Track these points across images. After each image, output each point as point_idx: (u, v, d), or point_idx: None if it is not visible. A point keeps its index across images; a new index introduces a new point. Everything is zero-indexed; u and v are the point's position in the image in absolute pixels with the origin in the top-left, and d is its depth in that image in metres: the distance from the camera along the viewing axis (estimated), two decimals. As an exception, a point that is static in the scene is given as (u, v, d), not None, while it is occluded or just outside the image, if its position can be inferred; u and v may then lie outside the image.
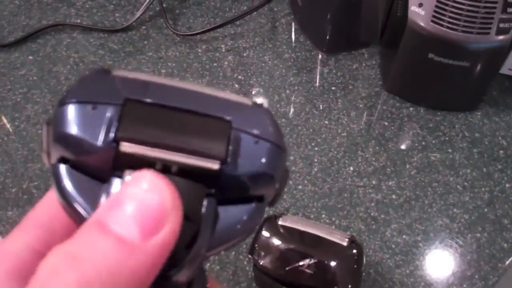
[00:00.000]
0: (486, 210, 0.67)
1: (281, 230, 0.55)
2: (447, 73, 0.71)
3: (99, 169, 0.21)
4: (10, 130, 0.73)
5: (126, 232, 0.18)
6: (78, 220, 0.21)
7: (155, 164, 0.21)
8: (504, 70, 0.78)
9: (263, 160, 0.23)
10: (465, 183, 0.69)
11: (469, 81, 0.72)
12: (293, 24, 0.87)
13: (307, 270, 0.53)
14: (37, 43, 0.84)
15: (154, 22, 0.87)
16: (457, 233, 0.65)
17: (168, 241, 0.19)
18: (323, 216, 0.66)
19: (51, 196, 0.25)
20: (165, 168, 0.21)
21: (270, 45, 0.84)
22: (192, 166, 0.21)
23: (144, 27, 0.86)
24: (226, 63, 0.81)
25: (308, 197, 0.67)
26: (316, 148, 0.72)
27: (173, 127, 0.22)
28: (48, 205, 0.25)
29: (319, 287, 0.54)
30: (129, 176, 0.20)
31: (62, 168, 0.21)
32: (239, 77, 0.80)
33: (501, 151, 0.72)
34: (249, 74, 0.80)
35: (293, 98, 0.77)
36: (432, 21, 0.66)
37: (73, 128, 0.21)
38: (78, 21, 0.86)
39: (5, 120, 0.74)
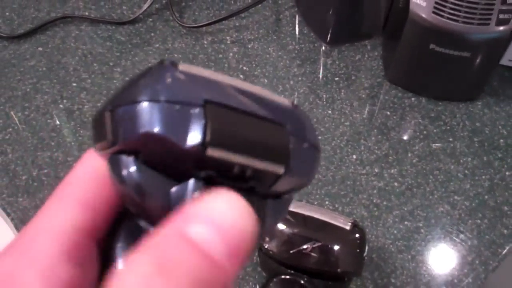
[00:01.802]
0: (486, 197, 0.68)
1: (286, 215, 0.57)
2: (448, 63, 0.72)
3: (173, 166, 0.21)
4: (20, 119, 0.75)
5: (215, 251, 0.18)
6: (147, 210, 0.22)
7: (233, 168, 0.21)
8: (504, 61, 0.79)
9: (313, 164, 0.24)
10: (466, 171, 0.71)
11: (470, 72, 0.74)
12: (297, 16, 0.88)
13: (311, 253, 0.55)
14: (46, 35, 0.85)
15: (161, 15, 0.88)
16: (458, 219, 0.67)
17: (244, 262, 0.19)
18: (327, 203, 0.67)
19: (87, 173, 0.24)
20: (241, 171, 0.22)
21: (275, 37, 0.85)
22: (263, 171, 0.22)
23: (151, 20, 0.87)
24: (231, 54, 0.83)
25: (312, 184, 0.69)
26: (319, 137, 0.73)
27: (247, 131, 0.22)
28: (85, 181, 0.24)
29: (323, 270, 0.55)
30: (214, 192, 0.20)
31: (130, 160, 0.22)
32: (244, 68, 0.81)
33: (501, 140, 0.74)
34: (254, 65, 0.81)
35: (297, 89, 0.79)
36: (433, 12, 0.67)
37: (159, 128, 0.21)
38: (86, 13, 0.88)
39: (14, 111, 0.76)
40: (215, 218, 0.19)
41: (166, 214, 0.21)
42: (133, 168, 0.21)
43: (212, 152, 0.21)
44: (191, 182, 0.21)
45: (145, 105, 0.21)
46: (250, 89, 0.24)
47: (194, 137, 0.21)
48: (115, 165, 0.22)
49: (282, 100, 0.25)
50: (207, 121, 0.21)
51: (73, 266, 0.21)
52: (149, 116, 0.21)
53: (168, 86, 0.21)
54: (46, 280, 0.20)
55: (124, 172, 0.21)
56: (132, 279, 0.18)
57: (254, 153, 0.22)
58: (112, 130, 0.22)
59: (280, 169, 0.22)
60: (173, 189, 0.22)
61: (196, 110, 0.21)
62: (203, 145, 0.21)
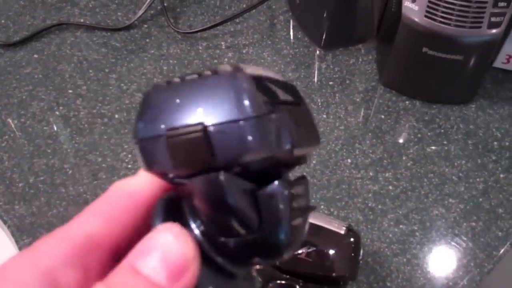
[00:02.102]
0: (481, 199, 0.69)
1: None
2: (441, 66, 0.72)
3: (254, 171, 0.23)
4: (17, 126, 0.75)
5: (156, 276, 0.21)
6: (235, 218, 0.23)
7: (301, 160, 0.26)
8: (497, 63, 0.80)
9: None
10: (460, 174, 0.71)
11: (463, 74, 0.74)
12: (291, 21, 0.89)
13: (306, 258, 0.55)
14: (41, 42, 0.86)
15: (156, 21, 0.88)
16: (453, 222, 0.67)
17: (189, 285, 0.22)
18: (322, 207, 0.68)
19: (113, 193, 0.26)
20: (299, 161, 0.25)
21: (269, 42, 0.86)
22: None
23: (146, 26, 0.88)
24: (226, 59, 0.83)
25: (307, 188, 0.69)
26: (314, 142, 0.73)
27: (299, 125, 0.24)
28: (109, 197, 0.26)
29: (318, 274, 0.55)
30: (160, 228, 0.23)
31: (231, 176, 0.22)
32: (239, 73, 0.81)
33: (495, 143, 0.74)
34: (249, 70, 0.82)
35: (292, 93, 0.79)
36: (426, 16, 0.68)
37: (262, 143, 0.22)
38: (82, 20, 0.88)
39: (10, 118, 0.76)
40: (160, 250, 0.22)
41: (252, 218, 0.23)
42: (235, 182, 0.22)
43: (297, 152, 0.23)
44: (277, 183, 0.23)
45: (243, 123, 0.22)
46: (268, 74, 0.25)
47: (285, 143, 0.22)
48: (214, 184, 0.22)
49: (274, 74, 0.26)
50: (288, 126, 0.23)
51: (76, 271, 0.22)
52: (251, 133, 0.22)
53: (251, 100, 0.22)
54: (42, 279, 0.21)
55: (229, 189, 0.22)
56: None
57: (310, 142, 0.25)
58: (210, 150, 0.22)
59: (317, 146, 0.27)
60: (262, 192, 0.23)
61: (277, 116, 0.22)
62: (292, 148, 0.23)
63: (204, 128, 0.21)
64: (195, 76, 0.23)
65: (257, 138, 0.22)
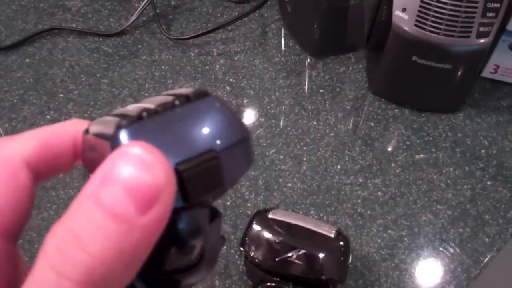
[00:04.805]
0: (468, 206, 0.70)
1: (271, 223, 0.57)
2: (430, 75, 0.73)
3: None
4: (8, 130, 0.75)
5: (123, 208, 0.18)
6: None
7: None
8: (485, 73, 0.81)
9: (248, 154, 0.25)
10: (448, 181, 0.72)
11: (452, 83, 0.75)
12: (282, 29, 0.89)
13: (296, 261, 0.55)
14: (33, 47, 0.86)
15: (148, 27, 0.89)
16: (441, 228, 0.68)
17: (162, 215, 0.19)
18: (312, 212, 0.68)
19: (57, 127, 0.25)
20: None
21: (261, 49, 0.86)
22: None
23: (138, 32, 0.88)
24: (218, 66, 0.84)
25: (297, 194, 0.70)
26: (305, 148, 0.74)
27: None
28: (49, 129, 0.25)
29: (307, 277, 0.56)
30: (124, 146, 0.20)
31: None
32: (231, 80, 0.82)
33: (483, 151, 0.75)
34: (240, 77, 0.82)
35: (282, 100, 0.80)
36: (416, 25, 0.69)
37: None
38: (74, 25, 0.89)
39: (1, 121, 0.76)
40: (122, 177, 0.19)
41: None
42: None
43: None
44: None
45: (248, 141, 0.23)
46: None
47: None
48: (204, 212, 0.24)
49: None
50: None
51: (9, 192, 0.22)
52: (251, 150, 0.23)
53: (238, 123, 0.23)
54: None
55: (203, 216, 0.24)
56: (49, 248, 0.19)
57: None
58: (222, 174, 0.22)
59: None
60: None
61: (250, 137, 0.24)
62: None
63: (217, 154, 0.22)
64: (166, 105, 0.22)
65: (252, 154, 0.23)
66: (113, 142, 0.21)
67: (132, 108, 0.23)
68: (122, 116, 0.21)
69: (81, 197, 0.19)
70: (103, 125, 0.22)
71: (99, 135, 0.22)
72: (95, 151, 0.23)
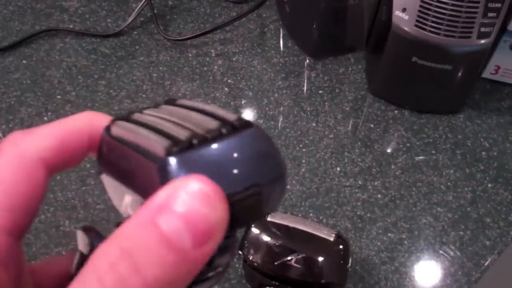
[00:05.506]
0: (468, 209, 0.69)
1: (270, 226, 0.57)
2: (431, 76, 0.73)
3: None
4: (5, 132, 0.74)
5: (180, 240, 0.19)
6: None
7: None
8: (486, 74, 0.80)
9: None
10: (449, 183, 0.71)
11: (452, 84, 0.74)
12: (281, 29, 0.89)
13: (295, 265, 0.55)
14: (30, 48, 0.85)
15: (146, 28, 0.88)
16: (441, 231, 0.67)
17: (212, 251, 0.20)
18: (311, 215, 0.68)
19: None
20: None
21: (259, 50, 0.86)
22: None
23: (135, 32, 0.88)
24: (216, 67, 0.83)
25: (296, 196, 0.69)
26: (304, 150, 0.74)
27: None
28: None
29: (307, 281, 0.55)
30: (185, 178, 0.20)
31: None
32: (229, 81, 0.81)
33: (483, 152, 0.75)
34: (239, 78, 0.82)
35: (281, 102, 0.79)
36: (416, 25, 0.68)
37: None
38: (71, 26, 0.88)
39: (-1, 123, 0.76)
40: (183, 207, 0.19)
41: None
42: None
43: None
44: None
45: (286, 176, 0.24)
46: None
47: None
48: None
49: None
50: None
51: None
52: (286, 182, 0.25)
53: (280, 158, 0.24)
54: None
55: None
56: (102, 264, 0.19)
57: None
58: (264, 206, 0.23)
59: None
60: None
61: None
62: None
63: (261, 189, 0.22)
64: (213, 132, 0.22)
65: (286, 186, 0.25)
66: (164, 167, 0.21)
67: (169, 125, 0.23)
68: (164, 134, 0.22)
69: (138, 219, 0.19)
70: (138, 136, 0.23)
71: (136, 148, 0.22)
72: (127, 160, 0.23)
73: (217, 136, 0.22)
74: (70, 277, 0.21)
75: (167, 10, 0.91)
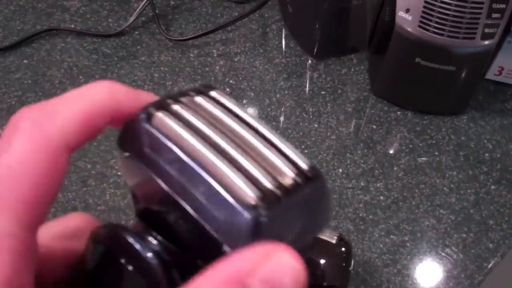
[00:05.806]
0: (472, 211, 0.69)
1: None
2: (434, 77, 0.72)
3: None
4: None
5: None
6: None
7: None
8: (489, 75, 0.80)
9: None
10: (452, 185, 0.71)
11: (455, 85, 0.74)
12: (283, 30, 0.88)
13: (297, 267, 0.54)
14: (31, 48, 0.85)
15: (147, 28, 0.88)
16: (444, 233, 0.67)
17: None
18: (313, 216, 0.67)
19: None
20: None
21: (261, 51, 0.85)
22: None
23: (137, 32, 0.87)
24: (217, 67, 0.83)
25: (298, 198, 0.69)
26: (306, 151, 0.73)
27: None
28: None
29: (308, 283, 0.55)
30: (277, 249, 0.20)
31: None
32: (231, 81, 0.81)
33: (487, 154, 0.74)
34: (240, 78, 0.81)
35: (283, 102, 0.79)
36: (419, 26, 0.68)
37: None
38: (72, 26, 0.88)
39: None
40: (273, 277, 0.19)
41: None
42: None
43: None
44: None
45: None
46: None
47: None
48: None
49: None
50: None
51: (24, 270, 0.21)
52: None
53: (332, 207, 0.25)
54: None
55: None
56: None
57: None
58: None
59: None
60: None
61: None
62: None
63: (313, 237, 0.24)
64: (293, 187, 0.22)
65: None
66: (257, 221, 0.20)
67: (244, 159, 0.22)
68: (244, 172, 0.21)
69: (228, 273, 0.19)
70: (204, 157, 0.21)
71: (207, 172, 0.21)
72: (183, 172, 0.22)
73: (295, 188, 0.22)
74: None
75: (169, 10, 0.91)
